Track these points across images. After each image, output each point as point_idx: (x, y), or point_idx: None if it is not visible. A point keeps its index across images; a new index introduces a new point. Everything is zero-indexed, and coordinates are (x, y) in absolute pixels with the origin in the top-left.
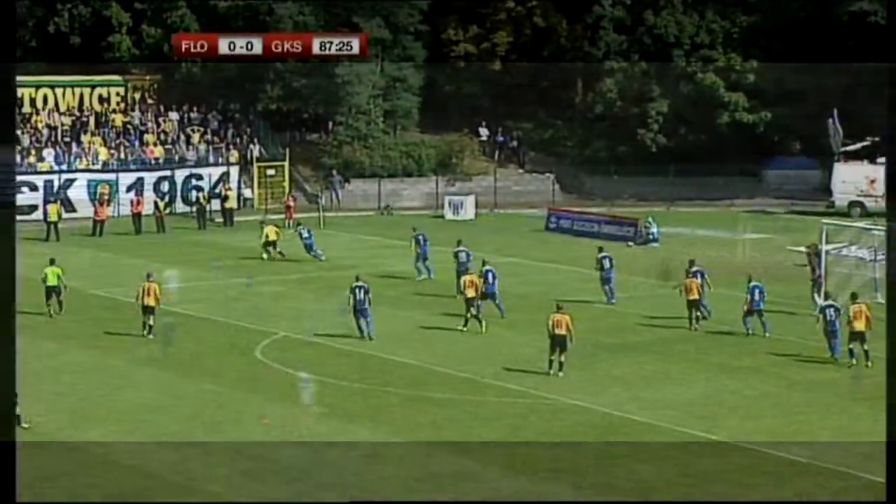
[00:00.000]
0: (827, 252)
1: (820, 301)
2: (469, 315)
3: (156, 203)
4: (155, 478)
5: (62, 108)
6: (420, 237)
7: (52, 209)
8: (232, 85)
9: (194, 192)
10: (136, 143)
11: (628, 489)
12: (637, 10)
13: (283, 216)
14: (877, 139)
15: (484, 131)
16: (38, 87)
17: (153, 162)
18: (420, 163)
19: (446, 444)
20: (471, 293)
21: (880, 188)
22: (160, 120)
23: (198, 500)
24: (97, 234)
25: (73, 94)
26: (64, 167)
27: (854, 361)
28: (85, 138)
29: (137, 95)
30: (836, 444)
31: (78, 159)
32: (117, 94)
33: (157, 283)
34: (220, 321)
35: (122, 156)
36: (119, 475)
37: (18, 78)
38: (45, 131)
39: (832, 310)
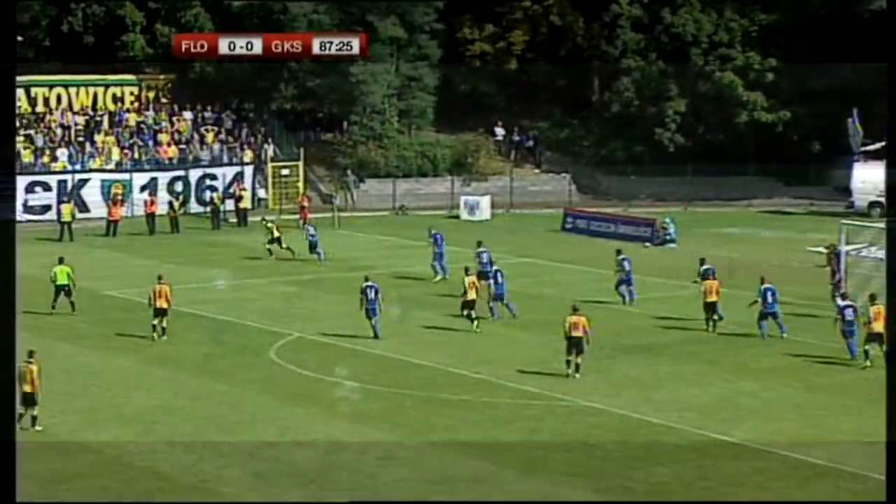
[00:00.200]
0: (847, 253)
1: (840, 302)
2: (465, 314)
3: (170, 203)
4: (168, 479)
5: (76, 108)
6: (437, 236)
7: (66, 209)
8: (246, 84)
9: (208, 193)
10: (150, 142)
11: (646, 492)
12: (655, 9)
13: (297, 216)
14: None
15: (500, 131)
16: (51, 86)
17: (167, 162)
18: (435, 163)
19: (461, 446)
20: (472, 295)
21: None
22: (174, 119)
23: (211, 501)
24: (111, 235)
25: (87, 93)
26: (77, 167)
27: (869, 363)
28: (98, 138)
29: (151, 95)
30: (856, 446)
31: (91, 159)
32: (131, 93)
33: (169, 285)
34: (234, 322)
35: (136, 155)
36: (132, 476)
37: (32, 78)
38: (59, 131)
39: (850, 310)
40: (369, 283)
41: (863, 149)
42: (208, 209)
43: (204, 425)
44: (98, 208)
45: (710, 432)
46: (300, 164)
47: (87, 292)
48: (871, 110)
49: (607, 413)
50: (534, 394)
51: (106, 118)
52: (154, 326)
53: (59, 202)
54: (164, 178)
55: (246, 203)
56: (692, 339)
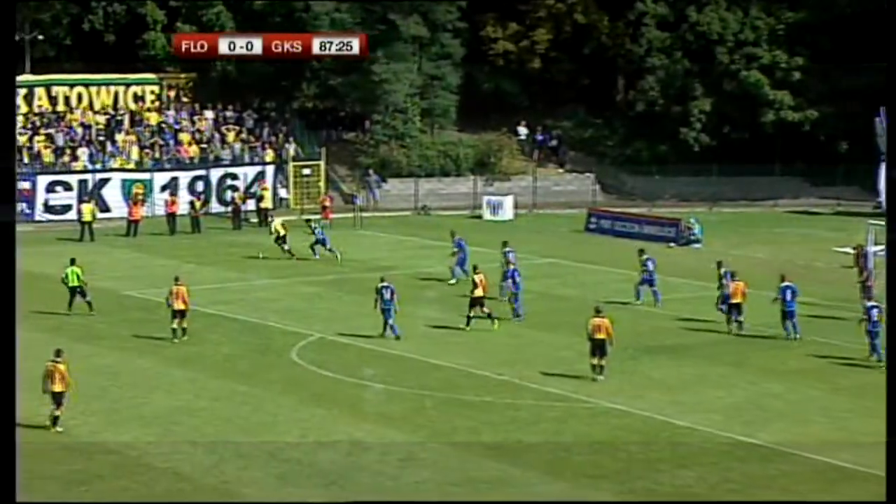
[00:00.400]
0: (874, 253)
1: (867, 302)
2: (470, 313)
3: (191, 203)
4: (189, 480)
5: (97, 107)
6: (460, 242)
7: (87, 209)
8: (268, 83)
9: (229, 192)
10: (171, 142)
11: (670, 494)
12: (680, 7)
13: (318, 216)
14: None
15: (523, 130)
16: (72, 85)
17: (188, 161)
18: (458, 162)
19: (484, 448)
20: (479, 293)
21: None
22: (195, 119)
23: (232, 502)
24: (131, 235)
25: (108, 92)
26: (98, 166)
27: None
28: (119, 137)
29: (172, 94)
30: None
31: (112, 158)
32: (152, 92)
33: (186, 285)
34: (255, 322)
35: (157, 155)
36: (153, 478)
37: (53, 76)
38: (80, 130)
39: (876, 311)
40: (385, 284)
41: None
42: (229, 209)
43: (225, 426)
44: (119, 208)
45: (736, 434)
46: (322, 163)
47: (107, 293)
48: None
49: (631, 415)
50: (557, 395)
51: (127, 117)
52: (174, 330)
53: (80, 202)
54: (185, 177)
55: (267, 203)
56: (717, 340)
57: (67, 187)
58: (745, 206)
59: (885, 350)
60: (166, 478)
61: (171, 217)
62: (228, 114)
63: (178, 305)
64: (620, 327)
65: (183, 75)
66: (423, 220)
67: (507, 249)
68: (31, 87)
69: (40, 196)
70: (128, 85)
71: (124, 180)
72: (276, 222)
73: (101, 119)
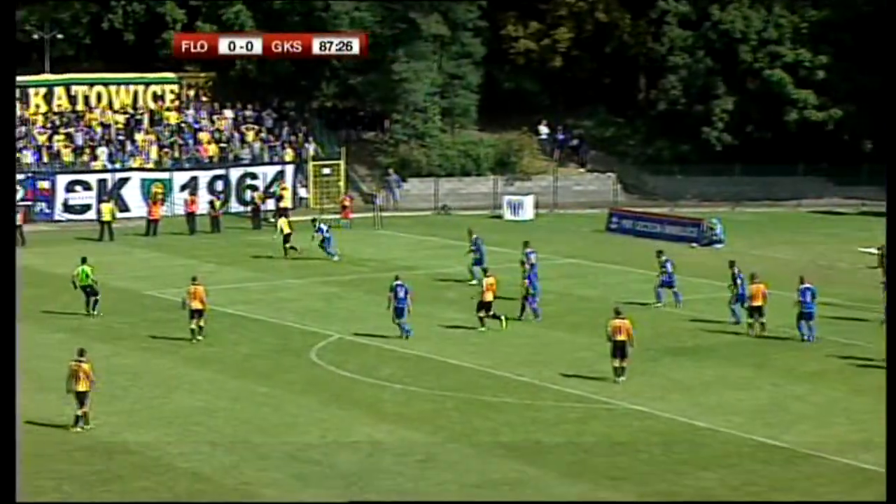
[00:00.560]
0: None
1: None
2: (478, 315)
3: (211, 202)
4: (209, 481)
5: (116, 106)
6: (477, 241)
7: (106, 209)
8: (287, 82)
9: (249, 192)
10: (191, 141)
11: (692, 496)
12: (702, 5)
13: (337, 216)
14: None
15: (544, 129)
16: (91, 84)
17: (207, 161)
18: (478, 162)
19: (504, 449)
20: (489, 297)
21: None
22: (214, 118)
23: (252, 502)
24: (151, 234)
25: (128, 91)
26: (118, 166)
27: None
28: (139, 137)
29: (192, 93)
30: None
31: (132, 158)
32: (171, 91)
33: (203, 286)
34: (274, 322)
35: (177, 154)
36: (173, 478)
37: (72, 76)
38: (99, 129)
39: None
40: (399, 283)
41: None
42: (249, 209)
43: (244, 427)
44: (138, 208)
45: (758, 436)
46: (341, 163)
47: (127, 293)
48: None
49: (653, 416)
50: (577, 396)
51: (146, 116)
52: (193, 330)
53: (100, 201)
54: (204, 177)
55: (287, 202)
56: (738, 341)
57: (87, 187)
58: (769, 206)
59: (886, 350)
60: (186, 478)
61: (191, 217)
62: (248, 113)
63: (195, 305)
64: (641, 328)
65: (202, 74)
66: (443, 219)
67: (529, 250)
68: (50, 86)
69: (60, 195)
70: (147, 84)
71: (144, 180)
72: (282, 221)
73: (121, 118)
